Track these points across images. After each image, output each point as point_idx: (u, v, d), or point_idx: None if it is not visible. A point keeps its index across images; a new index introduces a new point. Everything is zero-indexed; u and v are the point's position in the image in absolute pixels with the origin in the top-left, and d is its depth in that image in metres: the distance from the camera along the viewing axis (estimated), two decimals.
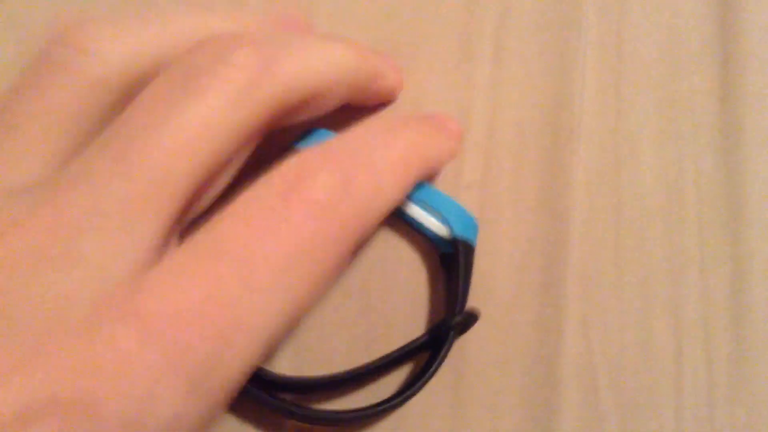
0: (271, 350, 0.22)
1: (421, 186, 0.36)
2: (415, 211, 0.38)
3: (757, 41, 0.43)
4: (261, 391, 0.33)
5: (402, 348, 0.36)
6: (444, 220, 0.36)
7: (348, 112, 0.38)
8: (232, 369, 0.21)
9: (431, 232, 0.39)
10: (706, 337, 0.39)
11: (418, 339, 0.36)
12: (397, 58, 0.41)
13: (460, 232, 0.36)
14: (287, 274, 0.22)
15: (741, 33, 0.43)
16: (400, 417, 0.37)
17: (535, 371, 0.37)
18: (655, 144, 0.42)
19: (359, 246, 0.26)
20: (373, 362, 0.36)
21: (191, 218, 0.27)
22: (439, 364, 0.35)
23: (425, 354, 0.36)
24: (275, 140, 0.34)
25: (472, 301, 0.38)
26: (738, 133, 0.42)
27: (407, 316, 0.39)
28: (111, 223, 0.22)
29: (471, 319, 0.36)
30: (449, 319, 0.35)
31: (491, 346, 0.38)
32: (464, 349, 0.38)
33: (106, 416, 0.19)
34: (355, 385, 0.37)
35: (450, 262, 0.38)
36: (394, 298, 0.39)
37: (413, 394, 0.35)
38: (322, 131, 0.36)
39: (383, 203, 0.26)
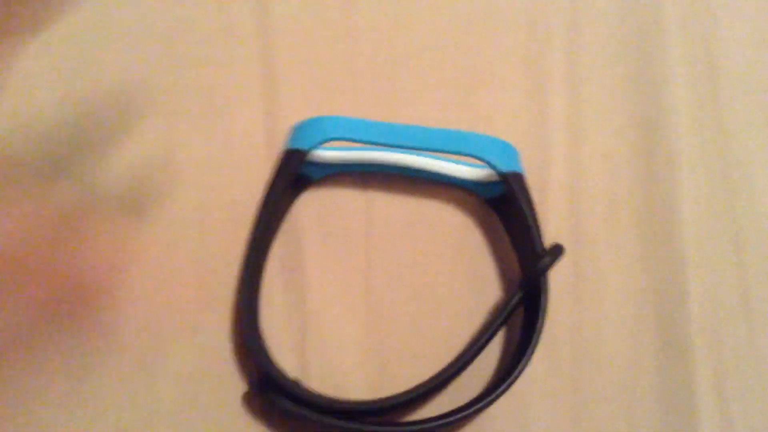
0: None
1: (433, 133, 0.31)
2: (441, 166, 0.33)
3: None
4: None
5: (499, 312, 0.30)
6: (481, 160, 0.30)
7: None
8: None
9: (463, 181, 0.34)
10: None
11: (511, 297, 0.31)
12: (459, 93, 0.36)
13: (504, 166, 0.31)
14: None
15: None
16: None
17: None
18: None
19: None
20: (475, 339, 0.30)
21: None
22: (544, 313, 0.30)
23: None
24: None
25: (584, 375, 0.32)
26: None
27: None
28: None
29: (558, 252, 0.30)
30: (536, 263, 0.30)
31: (614, 428, 0.31)
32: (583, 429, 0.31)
33: None
34: (446, 383, 0.31)
35: (503, 203, 0.33)
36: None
37: (529, 355, 0.30)
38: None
39: None
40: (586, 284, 0.33)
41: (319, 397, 0.29)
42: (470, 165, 0.33)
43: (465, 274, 0.33)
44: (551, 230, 0.34)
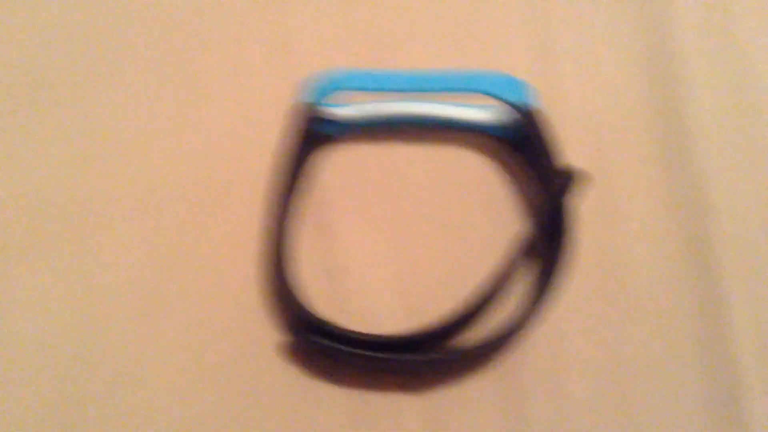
0: None
1: (447, 76, 0.31)
2: (456, 112, 0.34)
3: None
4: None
5: (518, 246, 0.30)
6: (495, 97, 0.31)
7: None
8: None
9: (483, 125, 0.34)
10: None
11: (531, 227, 0.31)
12: (469, 42, 0.37)
13: (519, 101, 0.31)
14: None
15: None
16: None
17: (708, 368, 0.32)
18: None
19: None
20: (495, 276, 0.30)
21: None
22: (567, 240, 0.30)
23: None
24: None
25: (615, 300, 0.33)
26: None
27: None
28: None
29: (576, 173, 0.30)
30: (555, 190, 0.30)
31: (650, 347, 0.32)
32: (620, 354, 0.32)
33: None
34: (476, 315, 0.31)
35: (522, 140, 0.33)
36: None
37: (554, 284, 0.30)
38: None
39: None
40: (611, 214, 0.34)
41: (356, 333, 0.30)
42: (487, 108, 0.34)
43: (489, 213, 0.34)
44: (571, 163, 0.34)
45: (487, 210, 0.34)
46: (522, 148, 0.34)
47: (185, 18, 0.37)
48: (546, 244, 0.32)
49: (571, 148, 0.35)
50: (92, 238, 0.33)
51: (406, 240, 0.34)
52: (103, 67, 0.36)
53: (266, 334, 0.32)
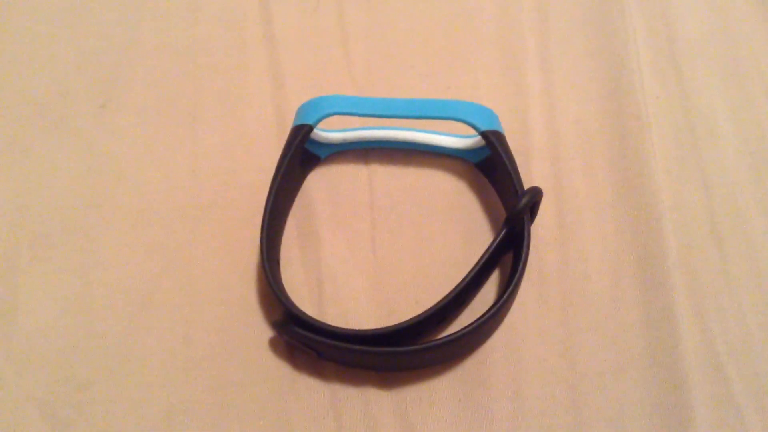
0: None
1: (420, 103, 0.35)
2: (432, 138, 0.38)
3: None
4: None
5: (485, 252, 0.33)
6: (463, 122, 0.35)
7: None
8: None
9: (453, 149, 0.38)
10: None
11: (497, 237, 0.33)
12: (441, 77, 0.41)
13: (484, 125, 0.35)
14: None
15: None
16: None
17: (655, 373, 0.35)
18: (730, 115, 0.40)
19: None
20: (464, 278, 0.33)
21: None
22: (527, 247, 0.33)
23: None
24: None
25: (572, 309, 0.36)
26: None
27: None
28: None
29: (536, 194, 0.33)
30: (517, 205, 0.33)
31: (602, 354, 0.35)
32: (575, 360, 0.35)
33: None
34: (445, 316, 0.34)
35: (489, 163, 0.37)
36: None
37: (516, 286, 0.33)
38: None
39: None
40: (570, 231, 0.37)
41: (334, 327, 0.33)
42: (458, 136, 0.38)
43: (459, 229, 0.37)
44: (535, 184, 0.38)
45: (457, 224, 0.38)
46: (488, 169, 0.38)
47: (186, 48, 0.42)
48: (508, 255, 0.35)
49: (535, 171, 0.39)
50: (94, 242, 0.38)
51: (384, 250, 0.37)
52: (110, 92, 0.41)
53: (255, 330, 0.36)
